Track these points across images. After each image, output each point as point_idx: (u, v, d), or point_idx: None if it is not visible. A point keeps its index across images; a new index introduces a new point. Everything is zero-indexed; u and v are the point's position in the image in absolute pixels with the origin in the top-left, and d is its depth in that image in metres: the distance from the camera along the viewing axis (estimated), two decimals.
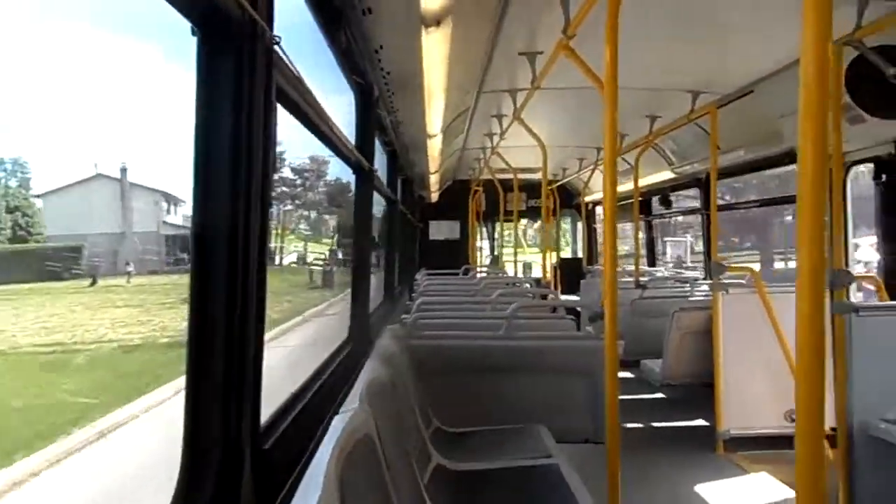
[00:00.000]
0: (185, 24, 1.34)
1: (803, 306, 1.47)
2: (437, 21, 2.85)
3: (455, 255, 12.65)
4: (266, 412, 1.97)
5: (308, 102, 2.14)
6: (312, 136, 2.59)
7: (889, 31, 3.80)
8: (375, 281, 6.69)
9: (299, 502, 1.54)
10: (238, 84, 1.40)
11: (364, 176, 3.81)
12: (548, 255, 8.57)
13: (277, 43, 1.57)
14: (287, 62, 1.73)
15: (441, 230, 13.89)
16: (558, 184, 12.16)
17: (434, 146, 6.11)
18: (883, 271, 4.90)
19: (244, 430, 1.46)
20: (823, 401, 1.50)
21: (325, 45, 2.89)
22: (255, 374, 1.53)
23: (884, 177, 4.89)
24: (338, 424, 1.94)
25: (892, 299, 4.54)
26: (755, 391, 5.37)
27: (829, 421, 4.63)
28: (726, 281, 5.66)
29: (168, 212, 8.78)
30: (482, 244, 14.84)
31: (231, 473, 1.43)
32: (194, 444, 1.37)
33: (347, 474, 1.72)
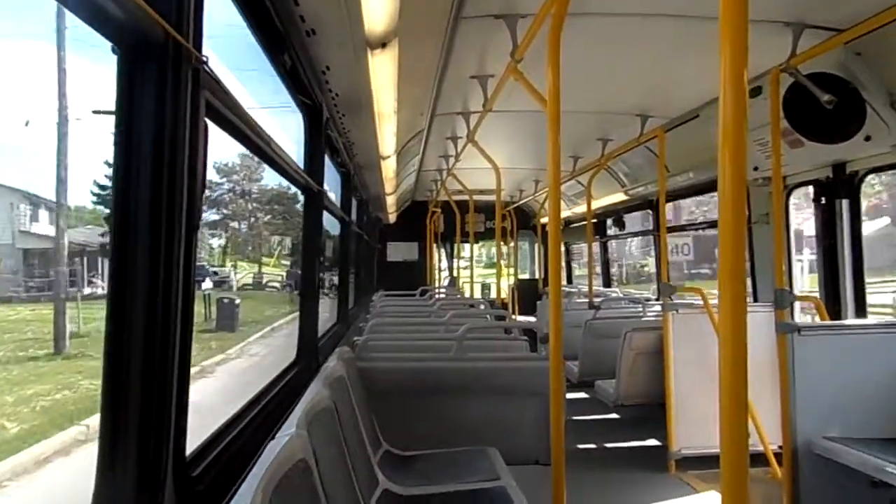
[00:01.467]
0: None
1: (725, 329, 1.49)
2: (382, 43, 2.86)
3: (413, 277, 12.62)
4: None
5: (246, 123, 2.11)
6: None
7: (823, 59, 3.96)
8: (330, 302, 6.62)
9: None
10: (160, 103, 1.37)
11: (313, 197, 3.78)
12: (504, 276, 8.60)
13: (205, 63, 1.55)
14: (219, 82, 1.71)
15: (399, 251, 13.86)
16: (515, 205, 12.27)
17: (388, 167, 6.11)
18: (823, 291, 5.04)
19: (165, 457, 1.42)
20: (746, 422, 1.52)
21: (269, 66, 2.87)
22: (178, 399, 1.48)
23: (823, 199, 5.05)
24: (272, 449, 1.89)
25: (832, 319, 4.67)
26: (705, 410, 5.42)
27: (776, 439, 4.73)
28: (677, 301, 5.75)
29: (31, 219, 6.63)
30: (442, 265, 14.85)
31: (149, 501, 1.38)
32: (108, 466, 1.32)
33: (278, 500, 1.67)
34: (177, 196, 1.42)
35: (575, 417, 7.22)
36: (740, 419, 1.49)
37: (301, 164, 3.62)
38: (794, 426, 3.89)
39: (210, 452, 1.84)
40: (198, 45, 1.53)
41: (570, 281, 13.08)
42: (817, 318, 4.50)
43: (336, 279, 7.13)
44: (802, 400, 3.88)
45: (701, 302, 5.53)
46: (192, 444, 1.70)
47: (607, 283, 11.21)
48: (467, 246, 13.29)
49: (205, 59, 1.54)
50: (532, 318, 10.35)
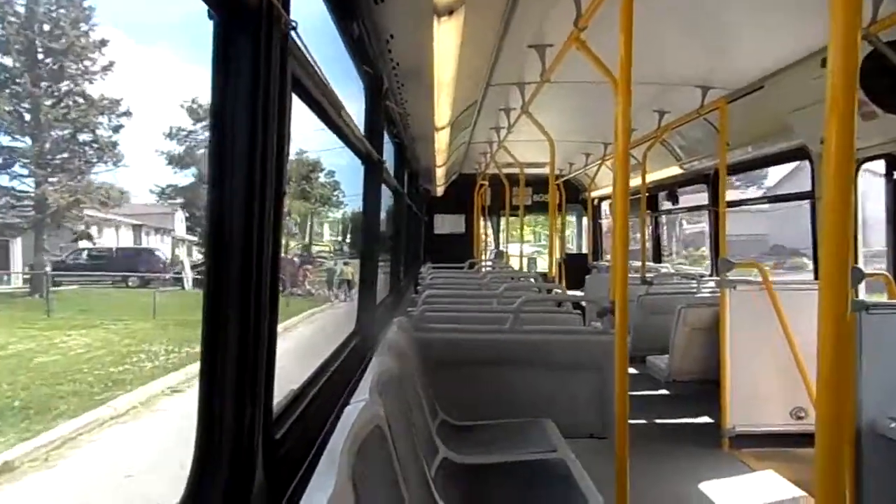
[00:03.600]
0: (202, 8, 1.32)
1: (827, 304, 1.45)
2: (449, 11, 2.82)
3: (460, 249, 12.63)
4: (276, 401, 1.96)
5: (322, 91, 2.12)
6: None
7: None
8: (381, 274, 6.68)
9: (312, 492, 1.53)
10: (255, 70, 1.38)
11: (373, 167, 3.79)
12: (554, 249, 8.54)
13: (294, 28, 1.55)
14: (303, 49, 1.72)
15: (446, 224, 13.86)
16: (564, 179, 12.12)
17: (441, 139, 6.09)
18: (893, 269, 4.88)
19: (256, 420, 1.45)
20: (847, 400, 1.48)
21: (337, 35, 2.87)
22: (267, 364, 1.52)
23: (895, 174, 4.85)
24: (349, 415, 1.93)
25: None
26: (761, 388, 5.35)
27: None
28: (733, 278, 5.64)
29: None
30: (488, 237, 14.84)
31: (243, 462, 1.42)
32: (207, 433, 1.36)
33: (359, 465, 1.71)
34: (268, 165, 1.44)
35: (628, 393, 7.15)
36: (839, 401, 1.45)
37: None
38: (859, 406, 3.79)
39: (290, 416, 1.89)
40: (286, 7, 1.53)
41: None
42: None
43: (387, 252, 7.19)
44: (868, 379, 3.77)
45: (759, 279, 5.42)
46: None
47: (658, 258, 11.04)
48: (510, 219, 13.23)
49: (294, 23, 1.55)
50: (580, 293, 10.28)
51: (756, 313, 5.27)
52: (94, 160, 21.08)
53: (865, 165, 5.18)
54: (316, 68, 1.89)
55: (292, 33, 1.56)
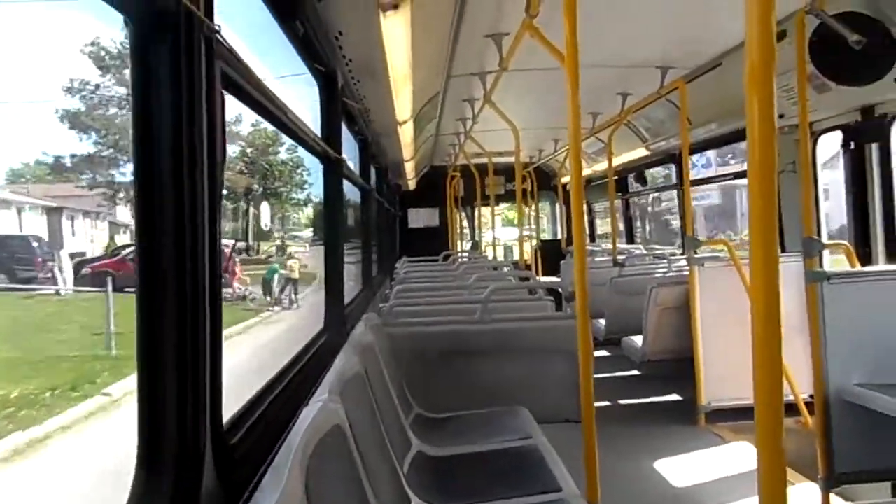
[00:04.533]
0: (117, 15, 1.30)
1: (756, 279, 1.47)
2: (394, 5, 2.81)
3: (435, 242, 12.63)
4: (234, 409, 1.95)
5: (262, 92, 2.10)
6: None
7: None
8: (355, 270, 6.66)
9: (264, 496, 1.52)
10: (175, 75, 1.36)
11: (332, 166, 3.77)
12: (524, 237, 8.58)
13: (217, 32, 1.53)
14: (233, 51, 1.69)
15: (420, 217, 13.86)
16: (534, 166, 12.16)
17: (406, 133, 6.07)
18: (852, 238, 4.96)
19: (202, 426, 1.44)
20: (780, 372, 1.50)
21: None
22: (212, 367, 1.50)
23: (851, 144, 4.93)
24: (306, 416, 1.92)
25: (862, 265, 4.59)
26: (734, 363, 5.38)
27: (808, 388, 4.71)
28: (702, 255, 5.69)
29: None
30: (464, 229, 14.84)
31: (190, 471, 1.40)
32: (150, 436, 1.35)
33: (315, 465, 1.70)
34: (197, 167, 1.42)
35: (602, 375, 7.23)
36: (774, 369, 1.47)
37: (318, 134, 3.60)
38: (825, 374, 3.86)
39: (245, 422, 1.87)
40: (209, 14, 1.51)
41: (592, 240, 12.99)
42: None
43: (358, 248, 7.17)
44: (833, 348, 3.84)
45: (726, 255, 5.48)
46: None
47: (630, 240, 11.12)
48: (487, 210, 13.25)
49: (217, 27, 1.53)
50: (555, 279, 10.34)
51: (725, 289, 5.34)
52: None
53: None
54: (250, 70, 1.87)
55: (218, 36, 1.54)
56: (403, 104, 4.79)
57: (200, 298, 1.43)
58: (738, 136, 6.69)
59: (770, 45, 1.41)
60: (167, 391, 1.37)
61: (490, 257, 11.56)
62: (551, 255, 12.36)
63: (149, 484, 1.33)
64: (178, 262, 1.38)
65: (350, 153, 5.81)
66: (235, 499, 1.61)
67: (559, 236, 14.06)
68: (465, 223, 14.95)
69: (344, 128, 4.19)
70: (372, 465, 2.33)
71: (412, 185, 11.67)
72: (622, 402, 6.31)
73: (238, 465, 1.68)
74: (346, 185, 4.49)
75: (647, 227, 16.73)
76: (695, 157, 9.32)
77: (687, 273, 5.89)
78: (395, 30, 3.12)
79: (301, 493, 1.53)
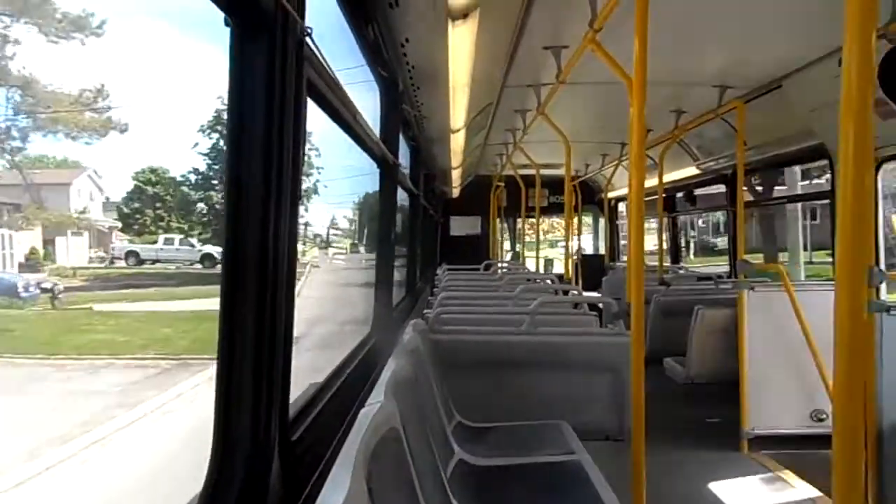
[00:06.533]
0: (219, 15, 1.34)
1: (843, 304, 1.44)
2: (463, 14, 2.83)
3: (476, 251, 12.62)
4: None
5: (337, 96, 2.14)
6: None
7: None
8: (398, 276, 6.70)
9: (328, 494, 1.54)
10: (270, 76, 1.40)
11: (388, 170, 3.81)
12: (570, 251, 8.53)
13: (309, 34, 1.57)
14: (318, 54, 1.74)
15: (462, 226, 13.87)
16: (580, 179, 12.08)
17: (457, 141, 6.10)
18: None
19: (273, 422, 1.47)
20: (862, 401, 1.47)
21: (352, 38, 2.89)
22: (283, 366, 1.53)
23: None
24: (364, 417, 1.94)
25: None
26: (780, 390, 5.30)
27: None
28: (751, 279, 5.59)
29: None
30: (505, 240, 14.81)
31: (260, 464, 1.43)
32: (224, 435, 1.38)
33: (374, 467, 1.72)
34: (284, 168, 1.46)
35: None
36: (855, 402, 1.44)
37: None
38: (879, 407, 3.76)
39: (306, 417, 1.90)
40: (302, 15, 1.55)
41: None
42: None
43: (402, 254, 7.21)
44: (889, 380, 3.74)
45: (776, 280, 5.37)
46: None
47: (676, 259, 10.96)
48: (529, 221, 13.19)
49: (309, 29, 1.57)
50: (597, 294, 10.24)
51: (774, 314, 5.23)
52: None
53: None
54: (331, 73, 1.91)
55: (307, 39, 1.58)
56: (458, 112, 4.82)
57: (279, 295, 1.47)
58: (793, 158, 6.56)
59: (870, 66, 1.39)
60: (243, 386, 1.40)
61: (531, 269, 11.51)
62: (592, 269, 12.24)
63: (222, 473, 1.37)
64: (262, 259, 1.41)
65: (402, 157, 5.87)
66: (298, 493, 1.64)
67: (601, 251, 13.93)
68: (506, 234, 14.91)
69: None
70: (421, 470, 2.35)
71: (456, 192, 11.71)
72: (662, 422, 6.19)
73: (300, 460, 1.71)
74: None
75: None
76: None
77: (733, 296, 5.78)
78: (461, 39, 3.15)
79: (365, 493, 1.55)
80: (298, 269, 1.67)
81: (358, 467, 1.59)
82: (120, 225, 19.21)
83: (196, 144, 18.91)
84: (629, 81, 3.17)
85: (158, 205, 19.56)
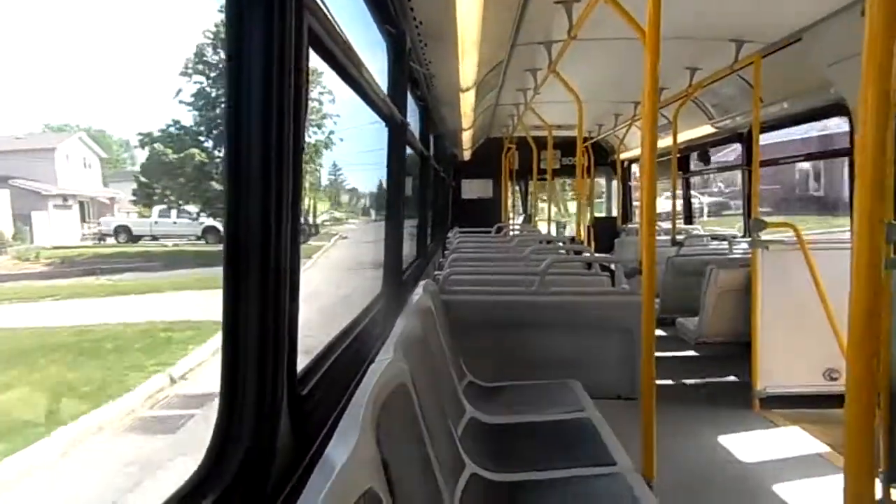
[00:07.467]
0: None
1: (860, 260, 1.40)
2: None
3: (488, 214, 12.58)
4: (303, 360, 1.99)
5: (342, 48, 2.09)
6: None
7: None
8: (409, 236, 6.69)
9: (336, 446, 1.55)
10: (268, 23, 1.36)
11: (396, 129, 3.76)
12: (582, 212, 8.47)
13: None
14: (320, 4, 1.69)
15: (474, 188, 13.80)
16: (592, 141, 11.94)
17: (467, 101, 6.01)
18: None
19: (280, 376, 1.47)
20: (876, 360, 1.45)
21: None
22: (290, 321, 1.53)
23: None
24: (373, 373, 1.95)
25: None
26: (793, 350, 5.28)
27: None
28: (766, 238, 5.52)
29: None
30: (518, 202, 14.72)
31: (268, 418, 1.44)
32: (231, 388, 1.38)
33: (383, 420, 1.73)
34: (285, 122, 1.43)
35: (656, 354, 7.14)
36: (868, 360, 1.41)
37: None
38: (893, 365, 3.73)
39: (315, 374, 1.91)
40: None
41: None
42: None
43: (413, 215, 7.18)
44: None
45: (793, 239, 5.31)
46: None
47: (689, 220, 10.87)
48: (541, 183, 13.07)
49: None
50: (610, 256, 10.21)
51: (789, 274, 5.18)
52: None
53: None
54: (335, 24, 1.87)
55: None
56: (468, 71, 4.74)
57: (283, 251, 1.45)
58: (809, 116, 6.42)
59: (893, 16, 1.33)
60: (249, 343, 1.40)
61: (543, 231, 11.46)
62: (605, 232, 12.17)
63: (230, 430, 1.37)
64: (264, 212, 1.39)
65: (410, 118, 5.80)
66: (307, 448, 1.64)
67: (614, 213, 13.84)
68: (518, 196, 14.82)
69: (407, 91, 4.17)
70: (432, 426, 2.36)
71: (467, 155, 11.61)
72: (675, 381, 6.22)
73: (309, 416, 1.71)
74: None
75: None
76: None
77: (747, 256, 5.73)
78: None
79: (374, 445, 1.56)
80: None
81: (366, 420, 1.60)
82: (122, 196, 16.89)
83: (179, 91, 16.04)
84: (643, 35, 3.09)
85: (178, 171, 16.50)
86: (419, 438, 2.11)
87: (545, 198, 15.06)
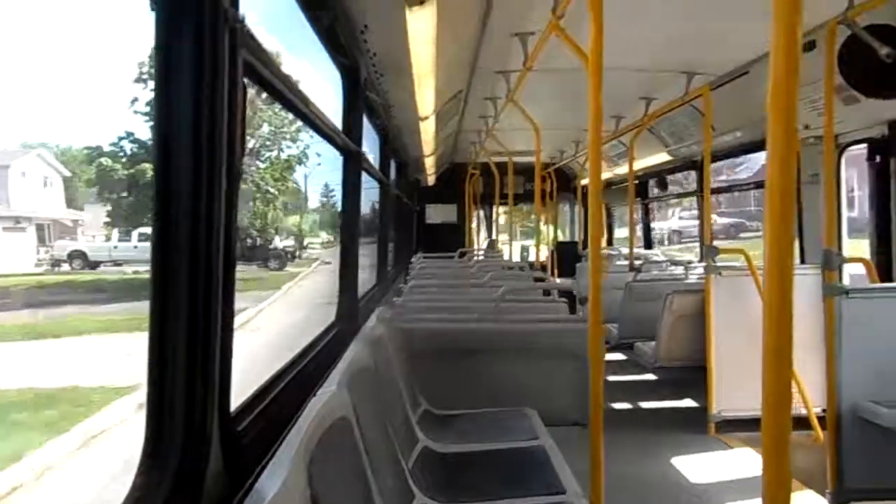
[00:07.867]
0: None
1: (771, 291, 1.45)
2: (420, 0, 2.81)
3: (452, 239, 12.62)
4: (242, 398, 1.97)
5: (284, 83, 2.11)
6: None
7: (881, 10, 3.76)
8: (369, 264, 6.68)
9: (268, 483, 1.54)
10: (198, 62, 1.37)
11: (351, 158, 3.78)
12: (541, 238, 8.55)
13: (242, 22, 1.54)
14: (257, 42, 1.70)
15: (438, 213, 13.84)
16: (555, 167, 12.11)
17: (427, 129, 6.07)
18: (874, 253, 4.89)
19: (210, 413, 1.45)
20: (789, 384, 1.49)
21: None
22: (222, 355, 1.51)
23: (877, 158, 4.86)
24: (312, 406, 1.93)
25: (882, 281, 4.53)
26: (748, 373, 5.33)
27: (821, 403, 4.66)
28: (721, 264, 5.64)
29: None
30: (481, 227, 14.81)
31: (196, 454, 1.42)
32: (157, 424, 1.36)
33: (319, 455, 1.72)
34: (216, 156, 1.43)
35: (613, 378, 7.23)
36: (783, 380, 1.46)
37: (339, 127, 3.61)
38: (839, 389, 3.82)
39: (253, 409, 1.89)
40: (234, 2, 1.52)
41: (610, 243, 12.92)
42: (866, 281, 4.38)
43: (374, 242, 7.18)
44: (849, 363, 3.80)
45: (745, 265, 5.43)
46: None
47: (648, 245, 11.05)
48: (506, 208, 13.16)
49: (242, 17, 1.54)
50: (570, 280, 10.31)
51: (742, 298, 5.29)
52: None
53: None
54: (273, 61, 1.88)
55: (244, 25, 1.55)
56: (426, 100, 4.79)
57: (214, 285, 1.45)
58: (761, 144, 6.62)
59: (795, 56, 1.39)
60: (177, 375, 1.38)
61: (507, 257, 11.54)
62: (567, 257, 12.31)
63: (155, 464, 1.35)
64: (193, 249, 1.39)
65: (370, 146, 5.83)
66: (240, 484, 1.62)
67: (576, 238, 14.00)
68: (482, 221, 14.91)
69: (365, 121, 4.20)
70: (377, 458, 2.35)
71: (431, 180, 11.67)
72: (632, 406, 6.28)
73: (245, 451, 1.69)
74: (366, 178, 4.51)
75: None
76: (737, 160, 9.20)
77: (703, 281, 5.84)
78: (421, 25, 3.12)
79: (304, 482, 1.55)
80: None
81: (298, 455, 1.59)
82: (85, 218, 15.00)
83: (135, 101, 13.80)
84: (586, 61, 3.16)
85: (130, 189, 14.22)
86: (360, 472, 2.09)
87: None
